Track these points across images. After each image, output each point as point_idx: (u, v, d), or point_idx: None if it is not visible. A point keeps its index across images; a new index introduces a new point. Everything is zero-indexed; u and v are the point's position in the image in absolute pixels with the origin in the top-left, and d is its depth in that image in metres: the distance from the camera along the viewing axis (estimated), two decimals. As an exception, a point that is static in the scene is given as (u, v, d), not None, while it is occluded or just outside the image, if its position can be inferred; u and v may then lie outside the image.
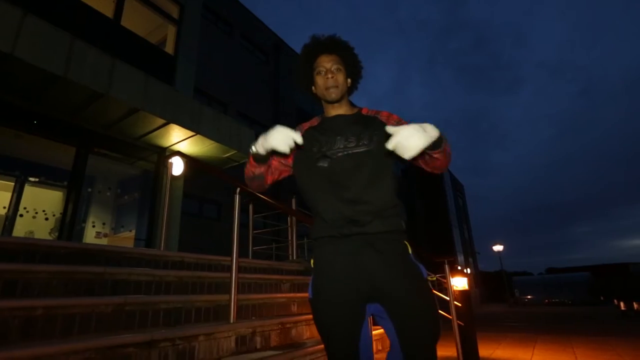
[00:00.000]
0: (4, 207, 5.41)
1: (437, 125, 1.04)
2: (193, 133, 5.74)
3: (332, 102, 1.34)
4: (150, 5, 6.58)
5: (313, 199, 1.25)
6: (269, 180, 1.39)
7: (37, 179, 5.93)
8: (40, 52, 4.08)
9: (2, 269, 1.80)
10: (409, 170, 28.71)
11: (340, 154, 1.23)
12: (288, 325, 2.62)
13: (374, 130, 1.25)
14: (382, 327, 1.18)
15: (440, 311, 3.79)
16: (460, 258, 29.26)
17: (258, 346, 2.31)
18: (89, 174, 5.76)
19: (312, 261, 1.26)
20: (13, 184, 5.58)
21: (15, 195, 5.48)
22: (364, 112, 1.36)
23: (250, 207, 5.15)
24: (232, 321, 2.25)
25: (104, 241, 6.33)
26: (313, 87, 1.38)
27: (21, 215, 5.57)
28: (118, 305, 1.92)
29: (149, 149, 6.07)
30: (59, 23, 4.49)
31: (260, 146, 1.18)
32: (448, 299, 3.45)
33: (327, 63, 1.31)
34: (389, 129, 1.01)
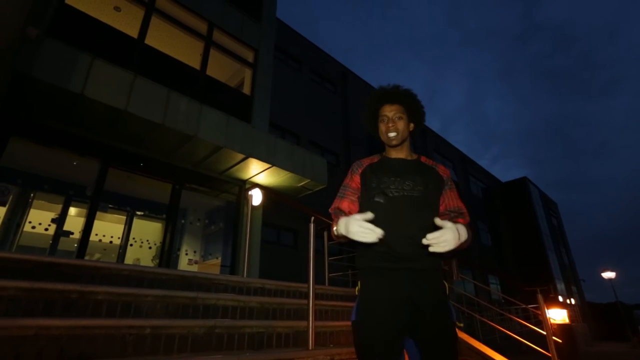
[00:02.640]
0: (119, 238, 6.34)
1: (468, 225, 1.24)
2: (269, 165, 6.17)
3: (393, 147, 1.48)
4: (229, 54, 7.41)
5: None
6: None
7: (142, 213, 6.85)
8: (145, 106, 4.85)
9: (121, 292, 2.12)
10: (490, 190, 26.60)
11: (397, 194, 1.35)
12: (366, 355, 2.58)
13: (430, 178, 1.40)
14: (410, 357, 1.27)
15: (536, 347, 3.38)
16: (561, 286, 25.60)
17: (336, 375, 2.31)
18: (182, 207, 6.50)
19: (357, 287, 1.36)
20: (125, 217, 6.53)
21: (126, 227, 6.40)
22: (422, 159, 1.51)
23: (325, 234, 5.27)
24: (310, 348, 2.31)
25: (194, 268, 6.98)
26: (378, 132, 1.52)
27: (131, 245, 6.46)
28: (209, 328, 2.11)
29: (231, 182, 6.66)
30: (158, 79, 5.30)
31: (342, 234, 1.23)
32: (545, 333, 3.08)
33: (389, 112, 1.46)
34: (438, 221, 1.15)
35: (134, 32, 5.82)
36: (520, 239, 26.21)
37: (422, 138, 20.14)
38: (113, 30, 5.55)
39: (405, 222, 1.29)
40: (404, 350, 1.26)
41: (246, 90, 7.54)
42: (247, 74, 7.74)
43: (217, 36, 7.15)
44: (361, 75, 17.02)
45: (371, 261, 1.33)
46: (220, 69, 7.58)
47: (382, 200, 1.34)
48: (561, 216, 35.17)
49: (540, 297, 3.11)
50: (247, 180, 6.69)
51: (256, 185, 4.15)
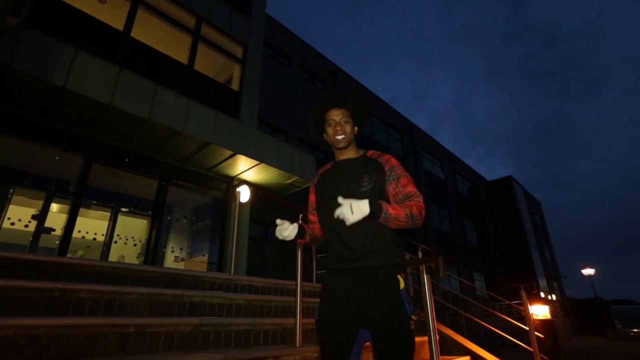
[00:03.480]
0: (103, 235, 6.21)
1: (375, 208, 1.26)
2: (258, 162, 6.12)
3: (340, 149, 1.55)
4: (218, 49, 7.31)
5: (325, 236, 1.50)
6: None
7: (127, 209, 6.73)
8: (131, 100, 4.75)
9: (104, 290, 2.08)
10: (476, 189, 27.03)
11: (336, 197, 1.40)
12: (353, 352, 2.59)
13: (373, 172, 1.46)
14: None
15: (519, 342, 3.46)
16: (543, 283, 26.26)
17: (324, 371, 2.31)
18: (168, 203, 6.41)
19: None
20: (109, 214, 6.40)
21: (111, 224, 6.28)
22: (369, 154, 1.56)
23: (312, 231, 5.26)
24: (298, 345, 2.30)
25: (181, 265, 6.90)
26: (324, 135, 1.59)
27: (115, 242, 6.34)
28: (195, 326, 2.08)
29: (218, 179, 6.59)
30: (144, 73, 5.20)
31: (280, 237, 1.43)
32: (527, 329, 3.15)
33: (336, 116, 1.54)
34: (340, 199, 1.25)
35: (119, 25, 5.69)
36: (505, 237, 26.76)
37: (410, 137, 20.31)
38: (97, 22, 5.41)
39: (347, 224, 1.30)
40: (364, 344, 1.36)
41: (235, 86, 7.46)
42: (236, 69, 7.66)
43: (206, 31, 7.04)
44: (350, 73, 17.03)
45: (327, 262, 1.46)
46: (208, 64, 7.48)
47: (330, 207, 1.41)
48: (544, 215, 36.02)
49: (523, 293, 3.18)
50: (235, 177, 6.63)
51: (244, 182, 4.11)
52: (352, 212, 1.21)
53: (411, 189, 1.43)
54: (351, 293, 1.34)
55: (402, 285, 1.36)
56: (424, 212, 1.38)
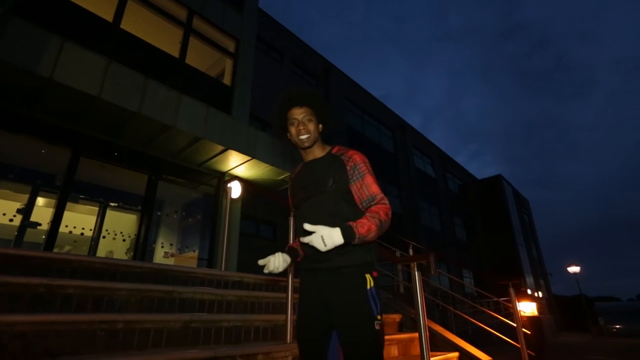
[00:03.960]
0: (90, 230, 6.11)
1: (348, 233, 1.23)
2: (249, 158, 6.08)
3: (305, 149, 1.51)
4: (210, 43, 7.21)
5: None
6: None
7: (116, 204, 6.63)
8: (121, 93, 4.66)
9: (92, 286, 2.04)
10: (467, 187, 27.32)
11: (302, 200, 1.46)
12: (343, 348, 2.60)
13: (336, 171, 1.41)
14: None
15: (506, 339, 3.51)
16: (530, 280, 26.73)
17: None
18: (158, 198, 6.32)
19: None
20: (97, 208, 6.29)
21: (99, 218, 6.18)
22: (334, 151, 1.51)
23: (304, 227, 5.25)
24: (288, 341, 2.30)
25: (170, 261, 6.83)
26: (288, 135, 1.54)
27: (104, 237, 6.24)
28: (185, 322, 2.07)
29: (209, 174, 6.53)
30: (134, 66, 5.10)
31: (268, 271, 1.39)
32: (515, 325, 3.20)
33: (299, 115, 1.48)
34: (307, 226, 1.21)
35: (108, 16, 5.57)
36: (494, 235, 27.14)
37: (402, 134, 20.39)
38: (86, 12, 5.28)
39: (314, 224, 1.28)
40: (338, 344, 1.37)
41: (227, 80, 7.38)
42: (228, 64, 7.57)
43: (197, 24, 6.94)
44: (343, 70, 17.00)
45: (301, 263, 1.49)
46: (200, 58, 7.37)
47: (298, 211, 1.48)
48: (532, 213, 36.62)
49: (512, 290, 3.23)
50: (226, 172, 6.57)
51: (235, 177, 4.08)
52: (325, 244, 1.19)
53: (375, 189, 1.38)
54: (320, 293, 1.36)
55: (370, 284, 1.31)
56: (390, 212, 1.34)
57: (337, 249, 1.24)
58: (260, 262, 1.39)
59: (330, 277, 1.35)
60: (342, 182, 1.39)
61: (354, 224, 1.24)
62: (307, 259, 1.44)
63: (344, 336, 1.27)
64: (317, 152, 1.52)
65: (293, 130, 1.49)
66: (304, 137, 1.46)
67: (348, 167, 1.41)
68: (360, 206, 1.39)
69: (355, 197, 1.39)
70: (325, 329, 1.34)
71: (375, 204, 1.35)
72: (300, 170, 1.58)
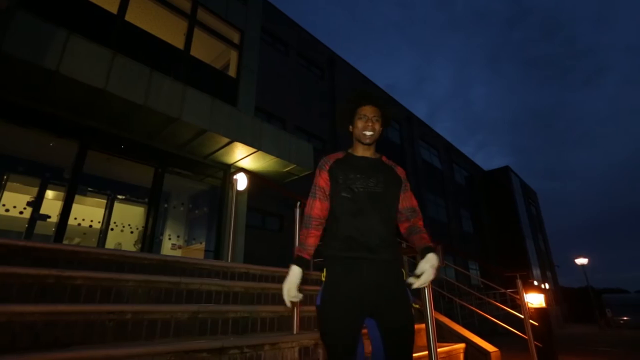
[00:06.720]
0: (99, 222, 6.18)
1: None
2: (255, 150, 6.07)
3: (364, 144, 1.58)
4: (214, 34, 7.17)
5: (334, 221, 1.48)
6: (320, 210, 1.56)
7: (124, 197, 6.69)
8: (126, 85, 4.66)
9: (101, 277, 2.07)
10: (473, 178, 27.11)
11: (362, 189, 1.47)
12: (350, 339, 2.61)
13: (390, 177, 1.55)
14: (370, 336, 1.41)
15: (513, 330, 3.50)
16: (536, 272, 26.61)
17: (320, 358, 2.33)
18: (165, 191, 6.36)
19: (323, 274, 1.46)
20: (105, 201, 6.36)
21: (107, 211, 6.24)
22: (383, 159, 1.64)
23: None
24: (295, 332, 2.32)
25: (178, 252, 6.89)
26: (351, 127, 1.61)
27: (112, 229, 6.31)
28: (193, 313, 2.08)
29: (215, 166, 6.54)
30: (140, 58, 5.09)
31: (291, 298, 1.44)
32: (522, 317, 3.18)
33: (370, 112, 1.57)
34: (414, 283, 1.35)
35: (113, 8, 5.55)
36: (500, 226, 26.96)
37: (408, 126, 20.23)
38: (91, 5, 5.27)
39: (368, 215, 1.42)
40: (364, 328, 1.42)
41: (232, 72, 7.35)
42: (233, 55, 7.53)
43: (202, 15, 6.89)
44: (349, 60, 16.83)
45: (337, 250, 1.44)
46: (205, 50, 7.34)
47: (348, 195, 1.46)
48: (540, 205, 36.28)
49: (519, 282, 3.21)
50: (232, 164, 6.58)
51: (241, 169, 4.08)
52: (433, 274, 1.34)
53: (415, 202, 1.60)
54: (365, 281, 1.37)
55: (405, 276, 1.45)
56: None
57: (385, 243, 1.40)
58: (289, 302, 1.44)
59: (380, 267, 1.40)
60: (396, 189, 1.55)
61: (428, 241, 1.47)
62: (349, 248, 1.41)
63: (391, 322, 1.34)
64: (370, 152, 1.61)
65: (360, 124, 1.56)
66: (369, 133, 1.55)
67: (402, 179, 1.60)
68: (399, 212, 1.56)
69: (400, 203, 1.57)
70: (362, 317, 1.37)
71: (416, 215, 1.57)
72: (346, 159, 1.59)
